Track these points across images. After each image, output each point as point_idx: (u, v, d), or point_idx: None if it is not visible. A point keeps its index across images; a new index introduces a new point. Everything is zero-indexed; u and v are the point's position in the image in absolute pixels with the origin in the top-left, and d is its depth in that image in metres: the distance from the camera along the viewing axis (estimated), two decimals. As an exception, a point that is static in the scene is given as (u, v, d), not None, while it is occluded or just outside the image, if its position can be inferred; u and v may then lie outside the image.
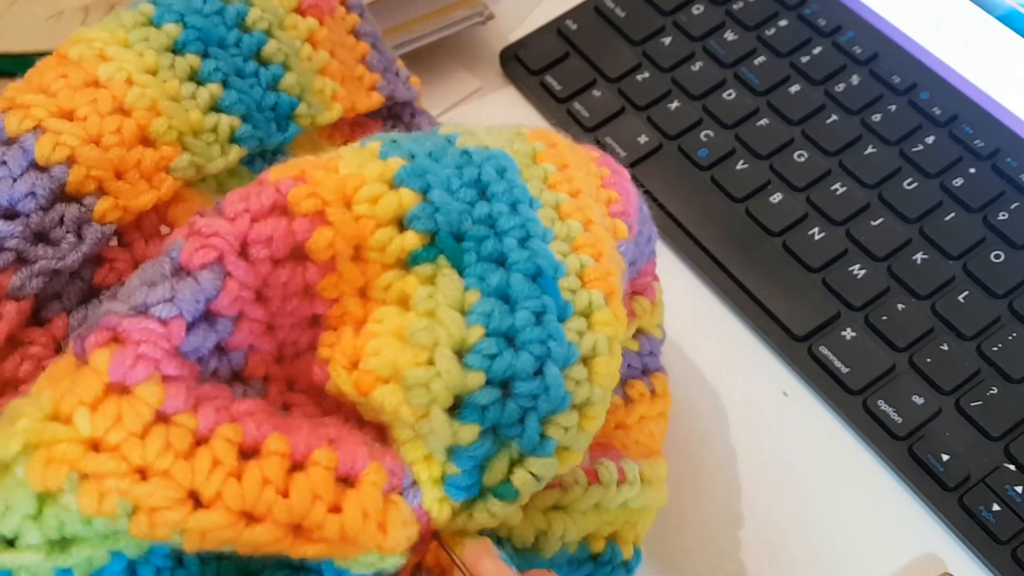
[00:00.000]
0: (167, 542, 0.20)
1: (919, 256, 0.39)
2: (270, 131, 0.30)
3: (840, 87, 0.44)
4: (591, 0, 0.47)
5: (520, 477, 0.23)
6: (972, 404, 0.35)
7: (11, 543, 0.19)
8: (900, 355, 0.37)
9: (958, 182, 0.41)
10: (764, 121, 0.43)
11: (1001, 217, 0.40)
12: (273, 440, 0.21)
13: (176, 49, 0.28)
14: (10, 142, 0.25)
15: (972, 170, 0.41)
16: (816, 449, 0.36)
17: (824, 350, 0.37)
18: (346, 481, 0.21)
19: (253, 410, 0.21)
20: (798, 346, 0.37)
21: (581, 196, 0.27)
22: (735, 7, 0.46)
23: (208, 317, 0.21)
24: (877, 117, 0.43)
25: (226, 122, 0.29)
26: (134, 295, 0.21)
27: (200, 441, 0.20)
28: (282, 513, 0.20)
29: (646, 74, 0.45)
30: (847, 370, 0.36)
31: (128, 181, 0.26)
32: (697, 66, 0.45)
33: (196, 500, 0.19)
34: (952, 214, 0.40)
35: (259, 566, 0.23)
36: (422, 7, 0.43)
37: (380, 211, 0.23)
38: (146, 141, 0.27)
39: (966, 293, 0.38)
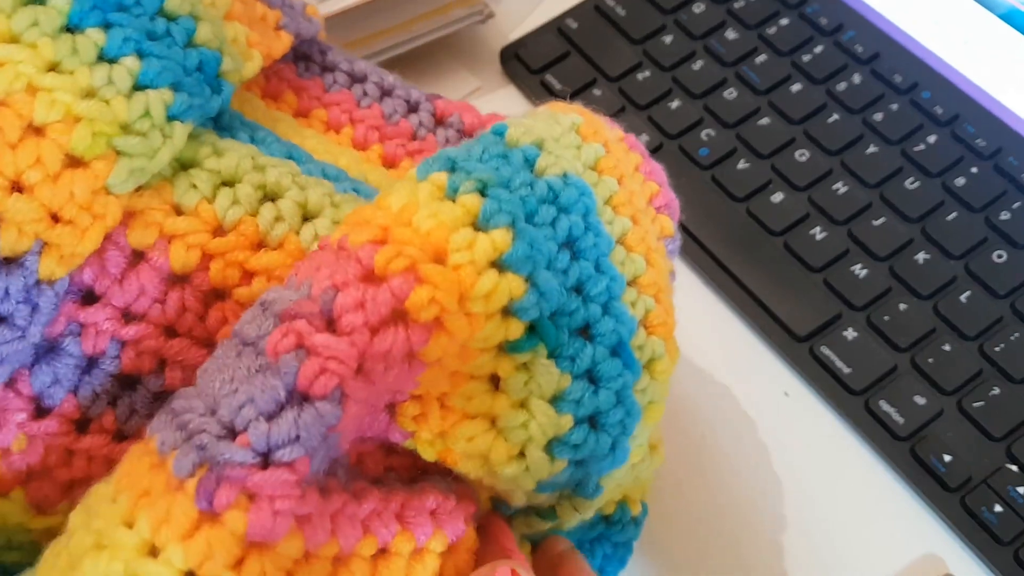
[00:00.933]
0: None
1: (921, 256, 0.39)
2: (205, 95, 0.25)
3: (841, 86, 0.43)
4: (591, -1, 0.47)
5: (564, 508, 0.24)
6: (974, 404, 0.35)
7: None
8: (902, 355, 0.37)
9: (960, 181, 0.40)
10: (765, 120, 0.43)
11: (1003, 217, 0.39)
12: (400, 540, 0.21)
13: (72, 26, 0.22)
14: None
15: (974, 169, 0.41)
16: (817, 450, 0.36)
17: (825, 350, 0.37)
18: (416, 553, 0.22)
19: (376, 509, 0.21)
20: (799, 346, 0.37)
21: (640, 218, 0.26)
22: (736, 6, 0.46)
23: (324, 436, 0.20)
24: (878, 116, 0.42)
25: (157, 99, 0.23)
26: (242, 413, 0.18)
27: (339, 560, 0.20)
28: None
29: (647, 73, 0.44)
30: (849, 370, 0.36)
31: (66, 221, 0.21)
32: (698, 65, 0.44)
33: None
34: (954, 214, 0.40)
35: None
36: (422, 6, 0.43)
37: (492, 306, 0.21)
38: (72, 162, 0.21)
39: (968, 293, 0.38)
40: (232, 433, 0.18)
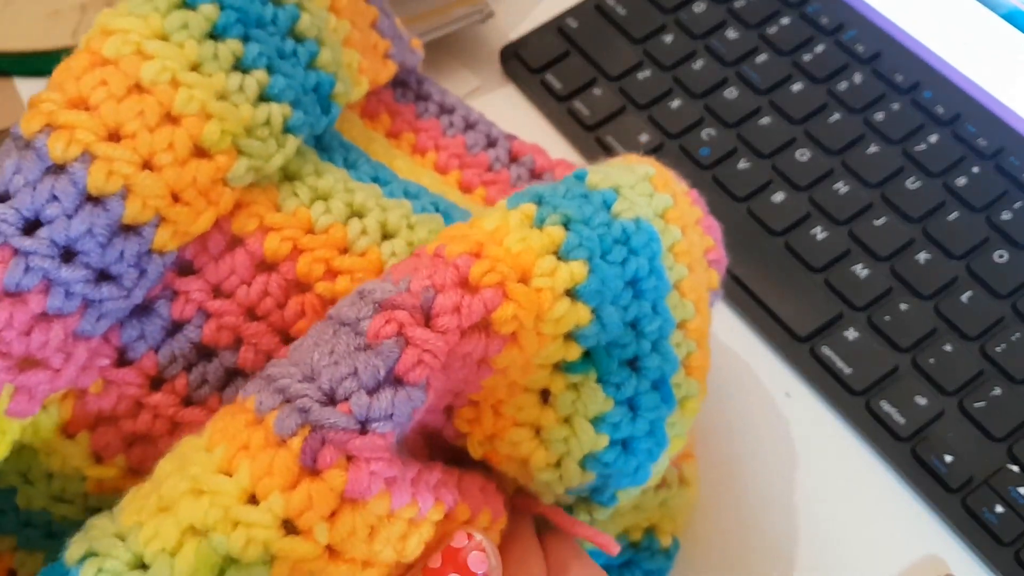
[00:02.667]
0: None
1: (922, 256, 0.39)
2: (316, 115, 0.28)
3: (842, 86, 0.43)
4: (592, -2, 0.47)
5: (580, 511, 0.27)
6: (975, 405, 0.35)
7: None
8: (903, 355, 0.36)
9: (961, 181, 0.40)
10: (766, 120, 0.43)
11: (1004, 217, 0.39)
12: (462, 510, 0.23)
13: (216, 34, 0.25)
14: (57, 170, 0.22)
15: (975, 169, 0.41)
16: (818, 450, 0.36)
17: (826, 350, 0.37)
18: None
19: (443, 479, 0.23)
20: (800, 346, 0.37)
21: (695, 267, 0.28)
22: (737, 5, 0.46)
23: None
24: (880, 116, 0.42)
25: (278, 112, 0.26)
26: (344, 384, 0.20)
27: (414, 523, 0.21)
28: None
29: (647, 72, 0.44)
30: (850, 371, 0.36)
31: (185, 202, 0.24)
32: (698, 64, 0.44)
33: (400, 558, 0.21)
34: (955, 214, 0.40)
35: None
36: (422, 5, 0.42)
37: (559, 329, 0.24)
38: (199, 152, 0.24)
39: (969, 293, 0.38)
40: (332, 400, 0.20)
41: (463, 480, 0.24)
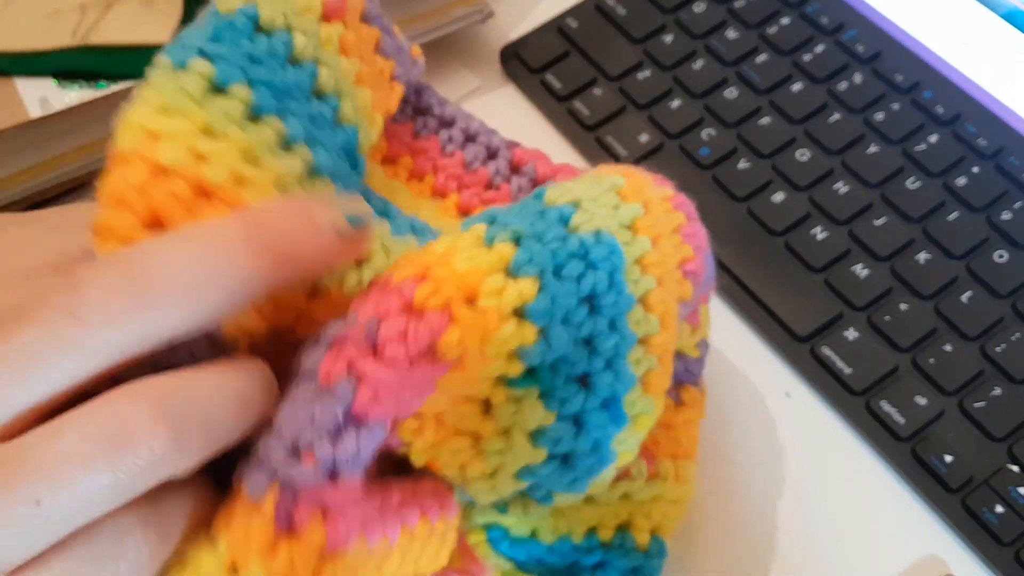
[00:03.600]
0: None
1: (922, 256, 0.39)
2: (349, 176, 0.26)
3: (842, 86, 0.43)
4: (592, -2, 0.47)
5: (515, 507, 0.26)
6: (975, 405, 0.35)
7: None
8: (903, 356, 0.36)
9: (961, 181, 0.40)
10: (766, 120, 0.43)
11: (1005, 217, 0.39)
12: (422, 527, 0.23)
13: (255, 115, 0.23)
14: None
15: (975, 169, 0.41)
16: (818, 450, 0.36)
17: (826, 350, 0.37)
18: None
19: (403, 500, 0.23)
20: (800, 346, 0.37)
21: (665, 280, 0.26)
22: (737, 5, 0.46)
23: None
24: (880, 116, 0.42)
25: (300, 158, 0.24)
26: (307, 439, 0.20)
27: (385, 554, 0.21)
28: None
29: (647, 72, 0.44)
30: (849, 371, 0.36)
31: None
32: (698, 64, 0.44)
33: None
34: (955, 214, 0.40)
35: None
36: (422, 5, 0.42)
37: (504, 349, 0.23)
38: None
39: (969, 293, 0.38)
40: (297, 453, 0.19)
41: (417, 489, 0.24)
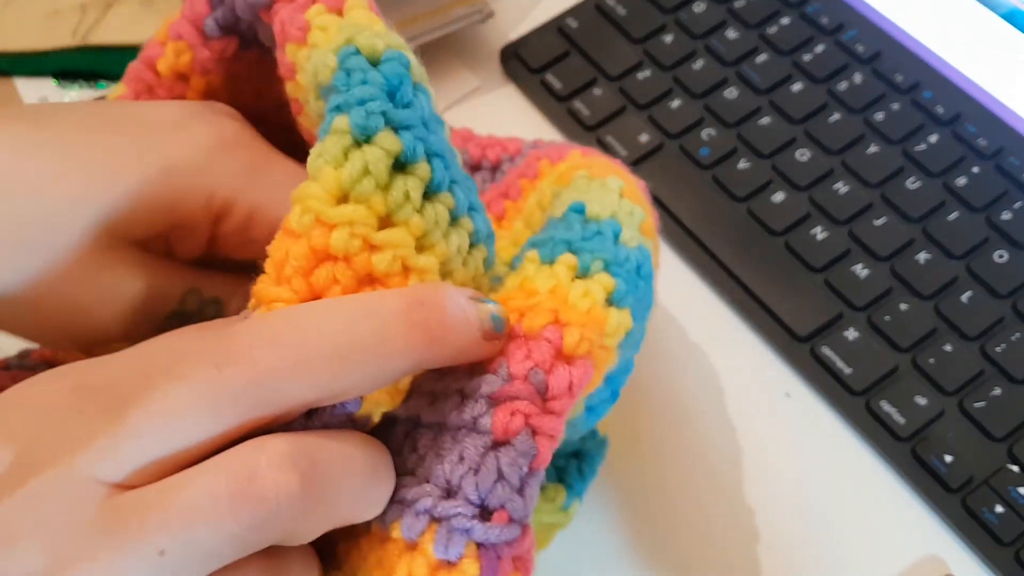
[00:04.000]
0: None
1: (922, 256, 0.39)
2: (492, 238, 0.27)
3: (842, 86, 0.43)
4: (592, -2, 0.47)
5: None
6: (975, 405, 0.35)
7: None
8: (903, 355, 0.36)
9: (961, 181, 0.40)
10: (766, 120, 0.43)
11: (1004, 217, 0.39)
12: None
13: (431, 193, 0.22)
14: None
15: (975, 169, 0.41)
16: (818, 450, 0.36)
17: (826, 350, 0.37)
18: None
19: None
20: (800, 346, 0.37)
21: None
22: (737, 5, 0.46)
23: None
24: (879, 116, 0.42)
25: (466, 230, 0.23)
26: (496, 490, 0.20)
27: None
28: None
29: (647, 72, 0.44)
30: (850, 371, 0.36)
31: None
32: (698, 64, 0.44)
33: None
34: (955, 214, 0.40)
35: None
36: (422, 5, 0.42)
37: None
38: None
39: (969, 293, 0.38)
40: (486, 511, 0.20)
41: None
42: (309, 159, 0.21)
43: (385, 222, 0.21)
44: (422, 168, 0.22)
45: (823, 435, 0.36)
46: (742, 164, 0.41)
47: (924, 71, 0.44)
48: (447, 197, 0.22)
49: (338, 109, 0.21)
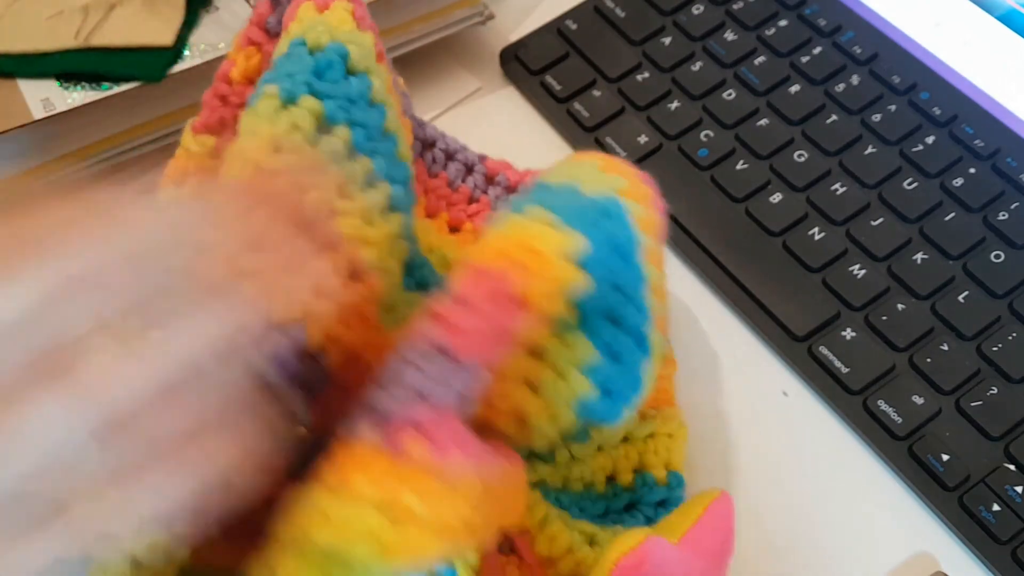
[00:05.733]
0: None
1: (919, 256, 0.39)
2: (409, 210, 0.29)
3: (840, 87, 0.44)
4: (591, 0, 0.47)
5: (561, 452, 0.30)
6: (972, 404, 0.35)
7: None
8: (900, 355, 0.37)
9: (958, 182, 0.41)
10: (764, 121, 0.43)
11: (1001, 217, 0.40)
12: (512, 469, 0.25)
13: (352, 154, 0.26)
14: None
15: (972, 170, 0.41)
16: (816, 449, 0.36)
17: (824, 350, 0.37)
18: None
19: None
20: (798, 346, 0.37)
21: (651, 237, 0.29)
22: (735, 7, 0.46)
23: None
24: (877, 117, 0.43)
25: (383, 194, 0.27)
26: (413, 384, 0.22)
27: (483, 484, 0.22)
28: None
29: (646, 74, 0.45)
30: (847, 370, 0.36)
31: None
32: (697, 66, 0.45)
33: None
34: (952, 214, 0.40)
35: None
36: (422, 7, 0.43)
37: (562, 292, 0.25)
38: (356, 276, 0.26)
39: (966, 293, 0.38)
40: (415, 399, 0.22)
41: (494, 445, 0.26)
42: (240, 119, 0.25)
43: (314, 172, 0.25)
44: (343, 131, 0.26)
45: (820, 434, 0.36)
46: (740, 165, 0.42)
47: (921, 72, 0.44)
48: (366, 160, 0.26)
49: (267, 81, 0.25)
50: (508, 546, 0.29)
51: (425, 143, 0.37)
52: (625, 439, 0.32)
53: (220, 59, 0.37)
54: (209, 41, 0.39)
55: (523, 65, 0.45)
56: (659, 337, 0.28)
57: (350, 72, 0.27)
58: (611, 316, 0.26)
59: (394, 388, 0.22)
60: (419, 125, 0.37)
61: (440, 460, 0.21)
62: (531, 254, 0.24)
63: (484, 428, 0.26)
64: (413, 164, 0.32)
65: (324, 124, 0.26)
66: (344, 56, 0.27)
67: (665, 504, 0.32)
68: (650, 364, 0.28)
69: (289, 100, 0.25)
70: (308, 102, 0.25)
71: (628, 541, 0.23)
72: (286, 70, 0.26)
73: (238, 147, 0.25)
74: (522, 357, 0.26)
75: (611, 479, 0.32)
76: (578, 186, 0.28)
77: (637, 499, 0.32)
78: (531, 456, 0.30)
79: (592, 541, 0.29)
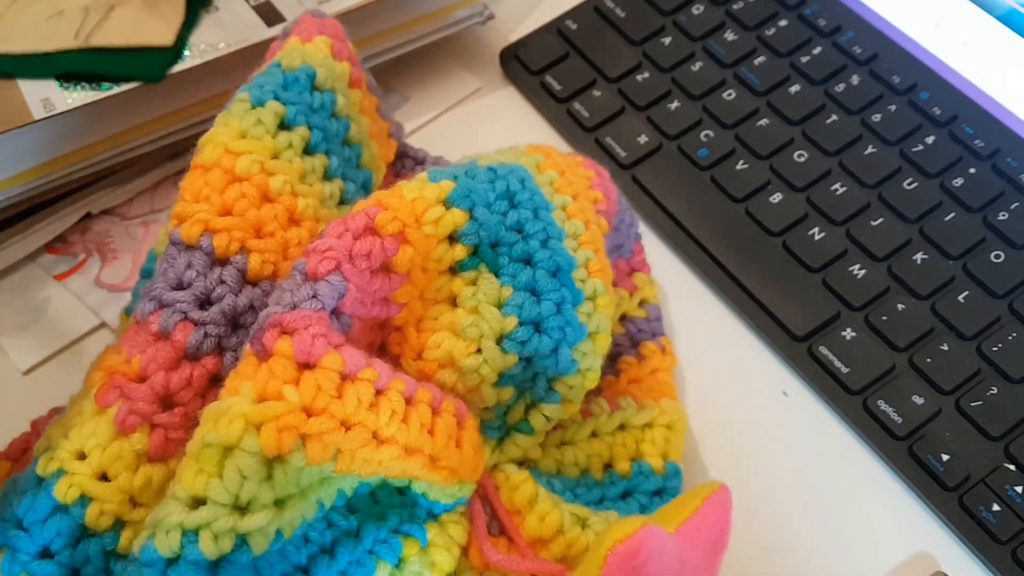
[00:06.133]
0: (350, 477, 0.25)
1: (919, 256, 0.39)
2: None
3: (840, 87, 0.44)
4: (591, 0, 0.47)
5: (535, 418, 0.31)
6: (972, 404, 0.35)
7: (244, 510, 0.23)
8: (900, 355, 0.37)
9: (958, 182, 0.41)
10: (764, 121, 0.43)
11: (1001, 217, 0.40)
12: (422, 392, 0.26)
13: (308, 150, 0.32)
14: (191, 248, 0.29)
15: (972, 170, 0.41)
16: (816, 449, 0.36)
17: (824, 350, 0.37)
18: (434, 412, 0.27)
19: (400, 370, 0.27)
20: (798, 346, 0.37)
21: (579, 198, 0.32)
22: (735, 7, 0.46)
23: (336, 314, 0.26)
24: (877, 117, 0.43)
25: (337, 187, 0.33)
26: (281, 300, 0.25)
27: (380, 391, 0.25)
28: (429, 447, 0.26)
29: (646, 74, 0.45)
30: (847, 370, 0.36)
31: (291, 259, 0.30)
32: (697, 66, 0.45)
33: (378, 439, 0.25)
34: (952, 214, 0.40)
35: (385, 500, 0.29)
36: (422, 7, 0.43)
37: (440, 230, 0.29)
38: (295, 221, 0.30)
39: (966, 293, 0.38)
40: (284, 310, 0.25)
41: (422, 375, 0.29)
42: (216, 120, 0.31)
43: (275, 159, 0.30)
44: (302, 131, 0.31)
45: (820, 434, 0.36)
46: (740, 165, 0.42)
47: (921, 72, 0.44)
48: (323, 157, 0.32)
49: (242, 90, 0.31)
50: (498, 527, 0.30)
51: (416, 160, 0.41)
52: (622, 427, 0.33)
53: (220, 59, 0.37)
54: (209, 41, 0.39)
55: (523, 65, 0.45)
56: (600, 284, 0.30)
57: (316, 88, 0.33)
58: (523, 259, 0.29)
59: (269, 308, 0.25)
60: (401, 144, 0.41)
61: (304, 352, 0.24)
62: (389, 195, 0.28)
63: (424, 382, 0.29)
64: (385, 176, 0.37)
65: (285, 124, 0.31)
66: (311, 75, 0.32)
67: (661, 494, 0.32)
68: (591, 309, 0.30)
69: (258, 103, 0.31)
70: (273, 105, 0.31)
71: (624, 528, 0.23)
72: (259, 82, 0.31)
73: (211, 134, 0.30)
74: (441, 307, 0.29)
75: (608, 467, 0.33)
76: (477, 160, 0.31)
77: (633, 487, 0.32)
78: (511, 430, 0.31)
79: (584, 524, 0.29)
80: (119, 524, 0.26)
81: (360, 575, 0.27)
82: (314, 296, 0.25)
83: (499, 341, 0.29)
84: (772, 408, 0.37)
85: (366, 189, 0.35)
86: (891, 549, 0.34)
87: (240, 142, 0.30)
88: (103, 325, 0.38)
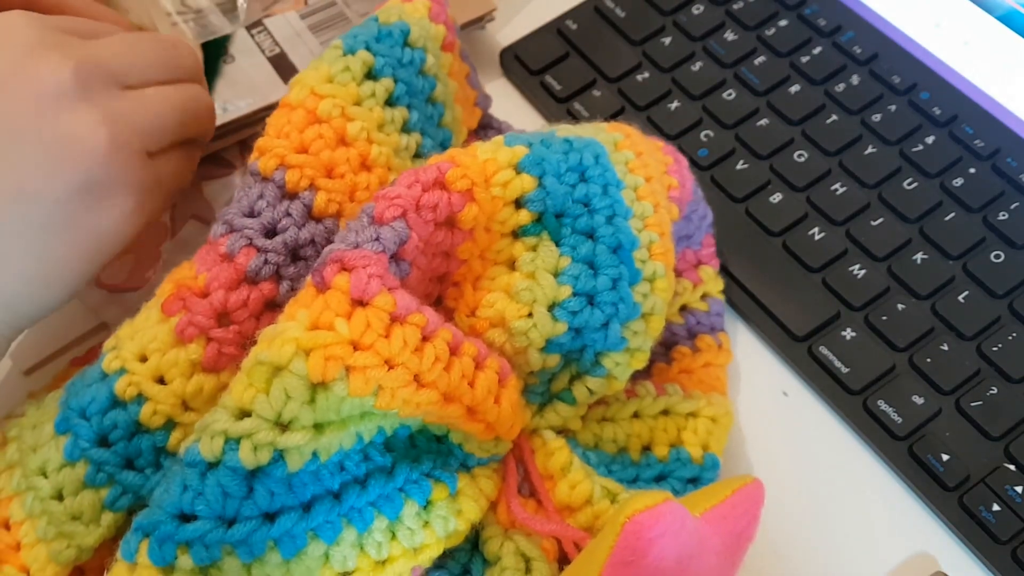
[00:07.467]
0: (389, 415, 0.26)
1: (919, 256, 0.39)
2: None
3: (840, 87, 0.44)
4: (591, 0, 0.47)
5: (579, 389, 0.31)
6: (972, 404, 0.35)
7: (285, 427, 0.24)
8: (900, 355, 0.37)
9: (958, 182, 0.41)
10: (764, 121, 0.43)
11: (1001, 217, 0.40)
12: (468, 345, 0.27)
13: (391, 102, 0.33)
14: (266, 180, 0.31)
15: (972, 170, 0.41)
16: (816, 449, 0.36)
17: (824, 350, 0.37)
18: (477, 366, 0.28)
19: (452, 323, 0.28)
20: (798, 346, 0.37)
21: (652, 181, 0.32)
22: (735, 7, 0.46)
23: (396, 259, 0.27)
24: (877, 117, 0.43)
25: (414, 140, 0.34)
26: (346, 239, 0.26)
27: (426, 337, 0.26)
28: (468, 398, 0.27)
29: (646, 74, 0.45)
30: (847, 370, 0.36)
31: (358, 203, 0.32)
32: (697, 66, 0.45)
33: (419, 382, 0.26)
34: (952, 214, 0.40)
35: (423, 445, 0.30)
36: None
37: (508, 193, 0.29)
38: (366, 167, 0.32)
39: (966, 293, 0.38)
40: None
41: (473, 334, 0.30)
42: (309, 64, 0.33)
43: (357, 106, 0.32)
44: (387, 82, 0.33)
45: (820, 434, 0.36)
46: (740, 165, 0.42)
47: (921, 72, 0.44)
48: (403, 110, 0.34)
49: (338, 38, 0.33)
50: (528, 489, 0.30)
51: (500, 132, 0.41)
52: (665, 412, 0.33)
53: (243, 116, 0.40)
54: (226, 97, 0.41)
55: (523, 65, 0.45)
56: (663, 266, 0.31)
57: (408, 44, 0.34)
58: (586, 232, 0.30)
59: (334, 244, 0.26)
60: (486, 116, 0.42)
61: (359, 289, 0.25)
62: (463, 154, 0.29)
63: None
64: (465, 141, 0.39)
65: (372, 74, 0.33)
66: (405, 32, 0.34)
67: (696, 482, 0.32)
68: (648, 290, 0.30)
69: (349, 51, 0.32)
70: (363, 55, 0.32)
71: (646, 499, 0.23)
72: (354, 32, 0.33)
73: (301, 76, 0.32)
74: (499, 269, 0.30)
75: (646, 449, 0.33)
76: (556, 131, 0.32)
77: (668, 472, 0.32)
78: (554, 398, 0.32)
79: (614, 499, 0.29)
80: (170, 424, 0.28)
81: (388, 509, 0.28)
82: (376, 239, 0.26)
83: (551, 308, 0.29)
84: (772, 408, 0.37)
85: (443, 147, 0.36)
86: (891, 549, 0.34)
87: (325, 86, 0.31)
88: (103, 325, 0.38)
